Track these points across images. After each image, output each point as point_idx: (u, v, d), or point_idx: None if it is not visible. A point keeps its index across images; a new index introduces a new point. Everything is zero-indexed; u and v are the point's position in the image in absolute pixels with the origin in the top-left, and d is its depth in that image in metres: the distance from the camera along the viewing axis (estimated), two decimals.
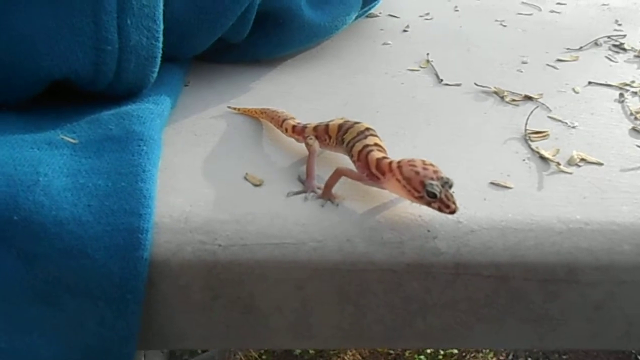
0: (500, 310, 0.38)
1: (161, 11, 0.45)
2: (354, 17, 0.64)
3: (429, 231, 0.37)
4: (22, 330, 0.34)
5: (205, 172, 0.42)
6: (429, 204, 0.35)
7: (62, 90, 0.45)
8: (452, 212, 0.35)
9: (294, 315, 0.38)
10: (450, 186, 0.35)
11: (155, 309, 0.37)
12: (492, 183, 0.42)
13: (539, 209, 0.39)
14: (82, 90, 0.45)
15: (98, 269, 0.34)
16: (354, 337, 0.40)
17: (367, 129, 0.42)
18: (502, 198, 0.41)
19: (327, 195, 0.39)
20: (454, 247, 0.37)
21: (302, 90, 0.57)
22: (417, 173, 0.36)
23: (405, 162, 0.37)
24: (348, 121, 0.43)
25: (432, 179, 0.35)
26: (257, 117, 0.50)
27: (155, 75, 0.46)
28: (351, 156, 0.41)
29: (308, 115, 0.51)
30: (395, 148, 0.46)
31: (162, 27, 0.45)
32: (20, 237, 0.34)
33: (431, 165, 0.36)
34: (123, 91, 0.46)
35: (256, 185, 0.41)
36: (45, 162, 0.37)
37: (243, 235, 0.37)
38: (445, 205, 0.35)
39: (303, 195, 0.40)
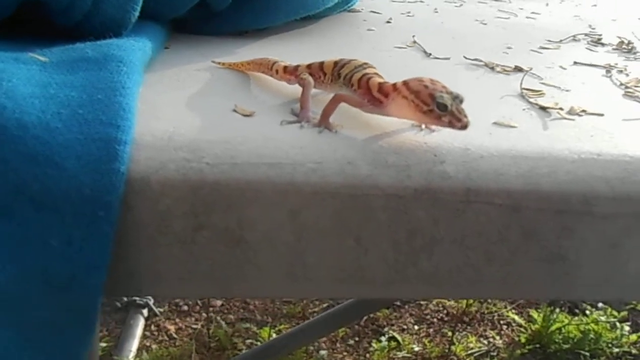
0: (511, 248, 0.35)
1: None
2: None
3: (435, 156, 0.34)
4: None
5: (190, 103, 0.39)
6: (438, 118, 0.33)
7: (34, 24, 0.41)
8: (464, 126, 0.32)
9: (287, 250, 0.34)
10: (461, 101, 0.33)
11: (128, 239, 0.32)
12: (495, 123, 0.40)
13: (548, 142, 0.37)
14: (58, 23, 0.41)
15: (66, 179, 0.29)
16: (353, 279, 0.36)
17: (365, 63, 0.39)
18: (508, 134, 0.38)
19: (324, 123, 0.36)
20: (464, 171, 0.34)
21: (290, 59, 0.54)
22: (426, 87, 0.33)
23: (412, 78, 0.34)
24: (344, 58, 0.41)
25: (441, 92, 0.33)
26: (244, 70, 0.48)
27: (136, 13, 0.44)
28: (350, 86, 0.38)
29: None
30: None
31: None
32: None
33: (439, 82, 0.34)
34: (101, 25, 0.42)
35: (246, 116, 0.38)
36: (10, 71, 0.33)
37: (234, 153, 0.33)
38: (456, 118, 0.32)
39: (298, 124, 0.37)
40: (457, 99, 0.33)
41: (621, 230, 0.35)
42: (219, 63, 0.49)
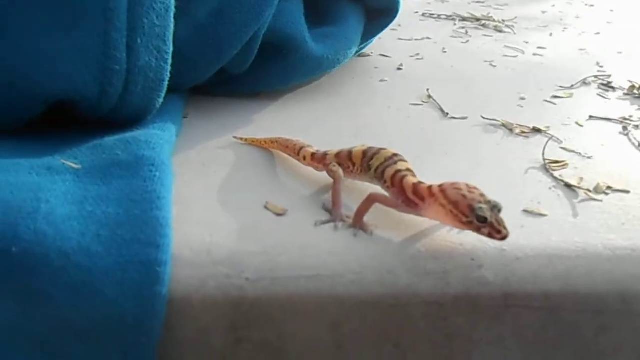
0: (549, 347, 0.35)
1: (172, 32, 0.42)
2: (354, 52, 0.63)
3: (473, 260, 0.34)
4: None
5: (222, 202, 0.39)
6: (478, 230, 0.33)
7: (62, 117, 0.41)
8: (504, 237, 0.32)
9: (327, 358, 0.34)
10: (500, 210, 0.33)
11: (170, 352, 0.32)
12: (525, 211, 0.40)
13: (581, 236, 0.37)
14: (83, 116, 0.41)
15: (109, 307, 0.29)
16: None
17: (395, 154, 0.39)
18: (540, 225, 0.39)
19: (358, 223, 0.36)
20: (502, 276, 0.34)
21: (307, 122, 0.54)
22: (464, 197, 0.33)
23: (449, 185, 0.34)
24: (372, 147, 0.41)
25: (480, 202, 0.33)
26: (267, 148, 0.47)
27: (161, 100, 0.43)
28: (383, 182, 0.38)
29: (318, 144, 0.49)
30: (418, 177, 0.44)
31: (171, 49, 0.42)
32: (19, 271, 0.29)
33: (475, 188, 0.34)
34: (127, 116, 0.42)
35: (279, 215, 0.38)
36: (46, 188, 0.33)
37: (273, 266, 0.33)
38: (496, 230, 0.32)
39: (332, 224, 0.37)
40: (496, 208, 0.33)
41: None
42: (241, 139, 0.49)
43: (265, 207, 0.38)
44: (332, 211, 0.38)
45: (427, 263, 0.34)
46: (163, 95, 0.43)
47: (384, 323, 0.34)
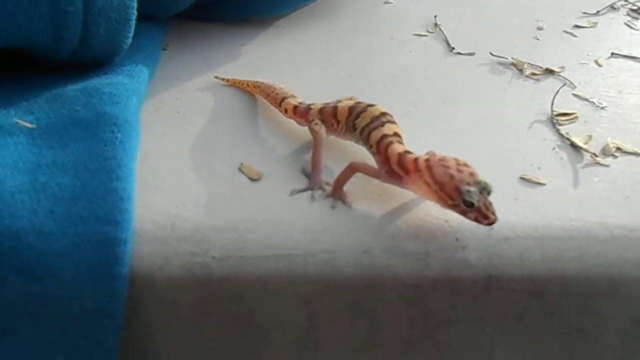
0: (529, 325, 0.34)
1: None
2: None
3: (457, 239, 0.32)
4: None
5: (193, 163, 0.36)
6: (464, 213, 0.30)
7: (19, 58, 0.37)
8: (491, 223, 0.30)
9: (299, 330, 0.33)
10: (489, 192, 0.30)
11: (136, 329, 0.31)
12: (522, 178, 0.37)
13: (579, 212, 0.35)
14: (42, 59, 0.37)
15: (66, 291, 0.28)
16: (365, 350, 0.35)
17: (383, 113, 0.36)
18: (536, 197, 0.36)
19: (337, 193, 0.34)
20: (486, 258, 0.32)
21: (300, 57, 0.50)
22: (452, 177, 0.30)
23: (436, 160, 0.31)
24: (359, 103, 0.37)
25: (468, 184, 0.30)
26: (250, 91, 0.44)
27: (129, 41, 0.39)
28: (368, 147, 0.35)
29: (307, 88, 0.45)
30: (408, 131, 0.41)
31: None
32: None
33: (465, 165, 0.31)
34: (91, 60, 0.38)
35: (254, 180, 0.35)
36: None
37: (241, 245, 0.31)
38: (483, 215, 0.30)
39: (309, 193, 0.34)
40: (485, 190, 0.30)
41: None
42: (222, 79, 0.45)
43: (240, 170, 0.36)
44: (311, 176, 0.35)
45: (406, 243, 0.32)
46: (130, 35, 0.39)
47: (357, 302, 0.32)
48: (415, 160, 0.32)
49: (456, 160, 0.31)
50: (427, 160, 0.32)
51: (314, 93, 0.45)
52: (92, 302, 0.28)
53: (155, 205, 0.32)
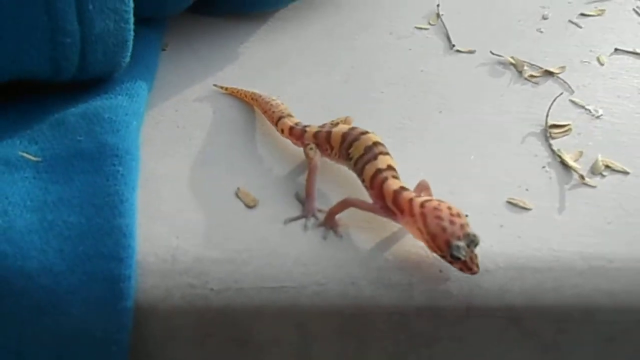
0: (509, 343, 0.36)
1: None
2: None
3: (441, 271, 0.34)
4: None
5: (192, 186, 0.38)
6: (450, 263, 0.32)
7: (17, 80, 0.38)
8: (473, 274, 0.32)
9: (293, 347, 0.36)
10: (476, 245, 0.32)
11: (142, 349, 0.34)
12: (509, 202, 0.38)
13: (560, 242, 0.36)
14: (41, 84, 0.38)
15: (76, 325, 0.31)
16: None
17: (375, 143, 0.36)
18: (520, 224, 0.37)
19: (329, 223, 0.35)
20: (466, 288, 0.34)
21: (297, 59, 0.50)
22: (444, 230, 0.31)
23: (430, 208, 0.32)
24: (353, 130, 0.38)
25: (458, 238, 0.31)
26: (248, 102, 0.44)
27: (127, 59, 0.40)
28: (362, 180, 0.36)
29: (304, 97, 0.46)
30: (401, 148, 0.42)
31: (132, 5, 0.37)
32: None
33: (458, 216, 0.32)
34: (91, 80, 0.39)
35: (249, 207, 0.37)
36: (4, 194, 0.32)
37: (237, 277, 0.33)
38: (468, 267, 0.31)
39: (302, 221, 0.36)
40: (473, 243, 0.31)
41: (619, 330, 0.36)
42: (221, 88, 0.46)
43: (237, 195, 0.37)
44: (305, 204, 0.37)
45: (392, 274, 0.34)
46: (128, 54, 0.39)
47: (346, 326, 0.35)
48: (410, 201, 0.33)
49: (449, 209, 0.32)
50: (421, 205, 0.32)
51: (311, 102, 0.46)
52: (101, 333, 0.31)
53: (156, 236, 0.34)
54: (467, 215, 0.36)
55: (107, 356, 0.32)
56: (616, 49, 0.54)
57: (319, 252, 0.34)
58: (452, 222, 0.31)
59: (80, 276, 0.31)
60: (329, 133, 0.38)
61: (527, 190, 0.40)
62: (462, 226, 0.31)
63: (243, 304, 0.33)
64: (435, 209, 0.32)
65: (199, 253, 0.34)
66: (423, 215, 0.32)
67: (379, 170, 0.35)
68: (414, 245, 0.35)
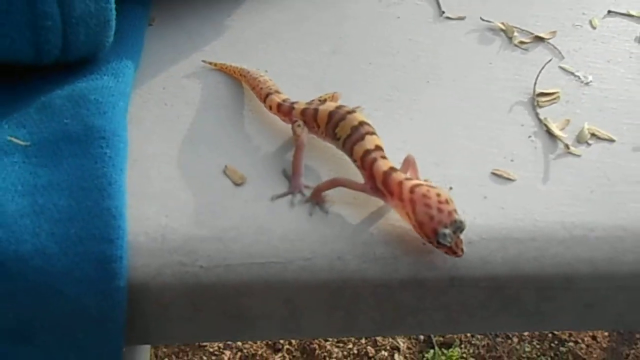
0: (493, 311, 0.38)
1: None
2: None
3: (424, 244, 0.35)
4: None
5: (180, 165, 0.38)
6: (436, 247, 0.33)
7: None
8: (458, 257, 0.32)
9: (282, 319, 0.37)
10: (462, 230, 0.32)
11: (136, 325, 0.36)
12: (494, 174, 0.39)
13: (543, 211, 0.37)
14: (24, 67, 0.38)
15: (72, 305, 0.32)
16: (343, 332, 0.39)
17: (361, 123, 0.37)
18: (504, 195, 0.38)
19: (315, 199, 0.36)
20: (450, 260, 0.35)
21: (285, 32, 0.49)
22: (431, 218, 0.32)
23: (420, 195, 0.32)
24: (340, 108, 0.38)
25: (445, 225, 0.32)
26: (237, 78, 0.44)
27: (110, 39, 0.40)
28: (352, 160, 0.37)
29: (293, 66, 0.46)
30: (389, 120, 0.42)
31: None
32: None
33: (446, 202, 0.32)
34: (75, 61, 0.39)
35: (237, 185, 0.37)
36: None
37: (226, 255, 0.34)
38: (452, 252, 0.32)
39: (289, 198, 0.36)
40: (459, 229, 0.32)
41: (599, 297, 0.37)
42: (210, 63, 0.45)
43: (224, 173, 0.38)
44: (291, 180, 0.37)
45: (377, 248, 0.35)
46: (112, 34, 0.39)
47: (333, 299, 0.36)
48: (400, 184, 0.34)
49: (438, 196, 0.32)
50: (411, 191, 0.33)
51: (299, 75, 0.46)
52: (96, 312, 0.32)
53: (146, 216, 0.35)
54: (451, 188, 0.37)
55: (103, 333, 0.33)
56: (609, 11, 0.53)
57: (306, 228, 0.35)
58: (440, 210, 0.32)
59: (73, 258, 0.32)
60: (315, 111, 0.38)
61: (512, 161, 0.40)
62: (450, 213, 0.32)
63: (232, 280, 0.34)
64: (424, 196, 0.32)
65: (188, 232, 0.35)
66: (412, 202, 0.32)
67: (367, 151, 0.35)
68: (398, 219, 0.36)
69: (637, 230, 0.36)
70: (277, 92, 0.41)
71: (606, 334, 1.18)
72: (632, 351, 1.17)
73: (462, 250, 0.32)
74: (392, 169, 0.35)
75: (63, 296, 0.32)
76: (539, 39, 0.50)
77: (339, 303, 0.36)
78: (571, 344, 1.13)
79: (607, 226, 0.36)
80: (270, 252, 0.34)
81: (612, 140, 0.42)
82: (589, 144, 0.41)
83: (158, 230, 0.35)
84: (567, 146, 0.41)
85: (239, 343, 1.03)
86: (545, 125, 0.42)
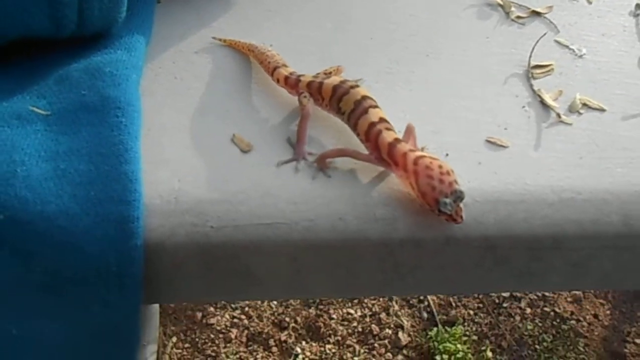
0: (486, 269, 0.40)
1: None
2: None
3: (422, 206, 0.37)
4: (31, 317, 0.36)
5: (191, 134, 0.40)
6: (437, 215, 0.35)
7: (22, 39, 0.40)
8: (458, 224, 0.35)
9: (288, 278, 0.40)
10: (462, 199, 0.34)
11: (152, 281, 0.38)
12: (488, 141, 0.41)
13: (534, 176, 0.39)
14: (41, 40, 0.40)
15: (93, 261, 0.34)
16: (345, 291, 0.42)
17: (364, 97, 0.39)
18: (497, 161, 0.40)
19: (320, 164, 0.38)
20: (447, 222, 0.37)
21: (290, 8, 0.51)
22: (433, 188, 0.34)
23: (423, 166, 0.35)
24: (344, 82, 0.40)
25: (446, 195, 0.34)
26: (245, 54, 0.46)
27: (123, 15, 0.42)
28: (356, 134, 0.39)
29: (297, 42, 0.48)
30: (389, 92, 0.44)
31: None
32: (10, 235, 0.33)
33: (447, 174, 0.35)
34: (89, 35, 0.41)
35: (244, 152, 0.40)
36: (20, 146, 0.35)
37: (235, 216, 0.36)
38: (452, 219, 0.35)
39: (293, 164, 0.39)
40: (459, 199, 0.34)
41: (585, 256, 0.39)
42: (220, 40, 0.47)
43: (232, 141, 0.40)
44: (295, 147, 0.39)
45: (377, 210, 0.37)
46: (124, 9, 0.41)
47: (336, 258, 0.38)
48: (404, 155, 0.36)
49: (440, 167, 0.35)
50: (415, 162, 0.35)
51: (304, 51, 0.47)
52: (115, 267, 0.35)
53: (160, 181, 0.37)
54: (447, 155, 0.39)
55: (123, 288, 0.36)
56: None
57: (309, 191, 0.38)
58: (441, 181, 0.34)
59: (94, 218, 0.34)
60: (320, 84, 0.40)
61: (505, 129, 0.42)
62: (451, 183, 0.34)
63: (240, 239, 0.37)
64: (427, 167, 0.35)
65: (199, 195, 0.37)
66: (416, 173, 0.35)
67: (372, 124, 0.38)
68: (397, 183, 0.38)
69: (622, 193, 0.38)
70: (284, 65, 0.43)
71: (608, 312, 1.20)
72: (634, 329, 1.20)
73: (461, 217, 0.35)
74: (397, 140, 0.37)
75: (85, 253, 0.34)
76: (536, 14, 0.51)
77: (341, 262, 0.38)
78: (573, 321, 1.16)
79: (594, 189, 0.39)
80: (276, 213, 0.37)
81: (602, 110, 0.43)
82: (580, 114, 0.43)
83: (171, 194, 0.37)
84: (559, 115, 0.43)
85: (246, 321, 1.07)
86: (539, 96, 0.44)
